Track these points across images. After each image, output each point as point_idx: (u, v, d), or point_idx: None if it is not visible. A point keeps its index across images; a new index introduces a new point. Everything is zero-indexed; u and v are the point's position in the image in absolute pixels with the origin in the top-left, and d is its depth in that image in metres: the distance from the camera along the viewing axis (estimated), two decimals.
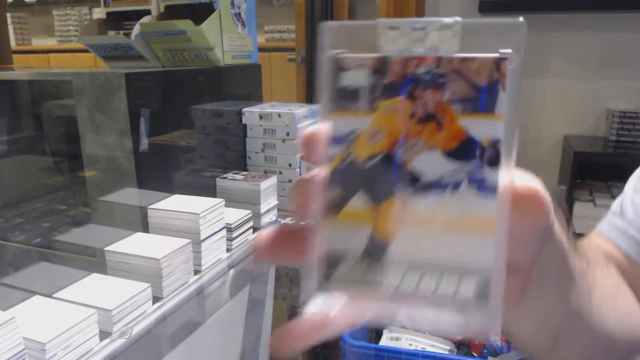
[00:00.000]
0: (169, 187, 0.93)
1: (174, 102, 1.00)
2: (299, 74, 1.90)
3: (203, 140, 1.05)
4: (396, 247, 0.18)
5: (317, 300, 0.18)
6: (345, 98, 0.19)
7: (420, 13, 2.00)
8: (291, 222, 0.21)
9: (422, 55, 0.18)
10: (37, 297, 0.60)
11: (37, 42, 3.52)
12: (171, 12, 1.08)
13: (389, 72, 0.19)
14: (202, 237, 0.75)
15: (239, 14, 1.12)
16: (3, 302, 0.60)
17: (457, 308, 0.17)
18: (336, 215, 0.19)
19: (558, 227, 0.22)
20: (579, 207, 1.68)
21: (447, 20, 0.18)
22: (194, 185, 0.99)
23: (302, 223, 0.20)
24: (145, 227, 0.80)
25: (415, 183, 0.18)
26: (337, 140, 0.19)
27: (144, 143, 0.89)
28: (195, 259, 0.75)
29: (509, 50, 0.18)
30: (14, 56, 1.62)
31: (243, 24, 1.14)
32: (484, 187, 0.18)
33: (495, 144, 0.18)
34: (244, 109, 1.01)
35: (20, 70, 1.38)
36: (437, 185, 0.18)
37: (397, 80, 0.19)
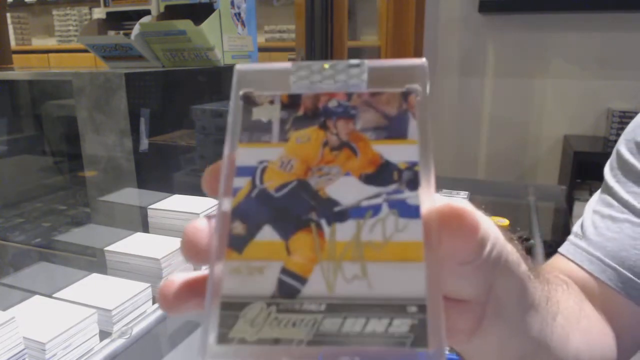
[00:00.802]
0: (169, 187, 0.93)
1: (174, 102, 1.00)
2: None
3: (203, 140, 1.05)
4: (313, 283, 0.16)
5: (216, 357, 0.15)
6: (254, 131, 0.18)
7: (420, 14, 2.00)
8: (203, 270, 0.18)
9: (333, 90, 0.19)
10: (37, 297, 0.60)
11: (37, 42, 3.52)
12: (171, 12, 1.08)
13: (301, 106, 0.19)
14: None
15: (239, 13, 1.12)
16: (3, 302, 0.60)
17: (391, 347, 0.14)
18: (240, 252, 0.16)
19: (513, 256, 0.22)
20: (579, 207, 1.68)
21: (354, 61, 0.19)
22: (194, 185, 0.99)
23: (205, 272, 0.17)
24: (145, 227, 0.80)
25: (332, 210, 0.17)
26: (244, 170, 0.18)
27: (144, 143, 0.89)
28: None
29: (416, 85, 0.18)
30: (14, 56, 1.62)
31: (243, 24, 1.14)
32: (406, 210, 0.16)
33: (412, 167, 0.17)
34: None
35: (20, 70, 1.38)
36: (355, 211, 0.17)
37: (308, 114, 0.19)
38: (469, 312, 0.21)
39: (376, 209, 0.17)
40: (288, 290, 0.16)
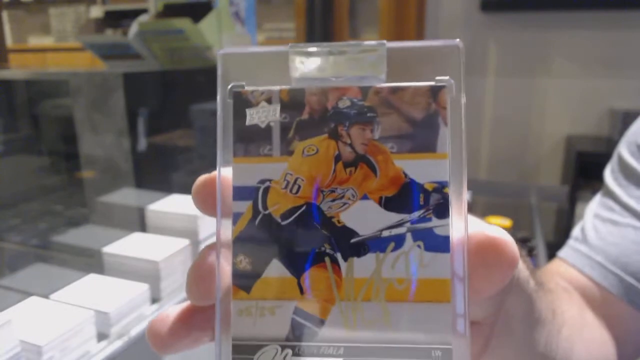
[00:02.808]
0: (167, 187, 0.93)
1: (172, 102, 1.00)
2: None
3: (202, 140, 1.04)
4: (330, 325, 0.14)
5: None
6: (251, 141, 0.16)
7: (421, 12, 2.00)
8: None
9: (344, 85, 0.15)
10: (33, 298, 0.59)
11: (34, 41, 3.51)
12: (169, 11, 1.07)
13: (305, 107, 0.15)
14: (200, 238, 0.74)
15: (238, 12, 1.12)
16: None
17: None
18: (247, 291, 0.15)
19: (523, 273, 0.21)
20: (581, 208, 1.68)
21: (371, 43, 0.15)
22: (192, 186, 0.98)
23: (204, 304, 0.16)
24: (143, 228, 0.80)
25: (348, 241, 0.15)
26: (243, 192, 0.15)
27: (142, 143, 0.88)
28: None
29: (447, 78, 0.15)
30: (10, 55, 1.61)
31: (242, 23, 1.13)
32: (433, 243, 0.14)
33: (441, 188, 0.15)
34: None
35: (17, 69, 1.37)
36: (374, 243, 0.15)
37: (315, 117, 0.15)
38: (478, 334, 0.20)
39: (399, 241, 0.15)
40: (304, 332, 0.15)
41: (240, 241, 0.15)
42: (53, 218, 1.05)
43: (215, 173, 0.16)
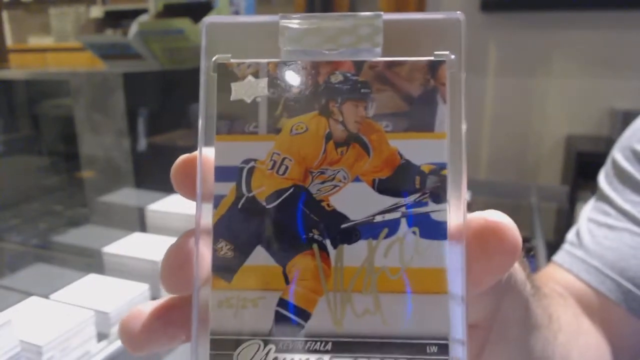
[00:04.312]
0: (167, 187, 0.93)
1: (172, 102, 1.00)
2: None
3: None
4: (317, 317, 0.13)
5: None
6: (235, 117, 0.14)
7: (421, 11, 2.00)
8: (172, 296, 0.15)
9: (337, 59, 0.14)
10: (33, 298, 0.59)
11: (34, 41, 3.51)
12: (169, 11, 1.07)
13: (295, 80, 0.14)
14: None
15: (238, 12, 1.12)
16: None
17: None
18: (228, 280, 0.14)
19: (521, 275, 0.20)
20: (581, 208, 1.67)
21: (366, 14, 0.14)
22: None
23: (180, 296, 0.15)
24: (143, 228, 0.80)
25: (338, 227, 0.14)
26: (225, 172, 0.14)
27: (142, 143, 0.88)
28: None
29: (447, 52, 0.14)
30: (10, 55, 1.61)
31: None
32: (429, 229, 0.13)
33: (439, 170, 0.14)
34: None
35: (17, 69, 1.37)
36: (366, 229, 0.14)
37: (305, 92, 0.14)
38: (473, 339, 0.19)
39: (393, 226, 0.14)
40: (288, 326, 0.13)
41: (221, 226, 0.14)
42: (53, 218, 1.05)
43: (195, 153, 0.15)
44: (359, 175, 0.14)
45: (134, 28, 1.05)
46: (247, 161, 0.14)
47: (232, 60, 0.15)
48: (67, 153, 1.06)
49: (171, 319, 0.15)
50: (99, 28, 2.63)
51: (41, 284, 0.72)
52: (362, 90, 0.14)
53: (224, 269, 0.14)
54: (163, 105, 0.95)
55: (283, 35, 0.14)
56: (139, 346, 0.15)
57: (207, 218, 0.14)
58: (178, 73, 1.05)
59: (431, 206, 0.14)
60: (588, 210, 0.44)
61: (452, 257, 0.13)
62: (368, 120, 0.14)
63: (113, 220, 0.90)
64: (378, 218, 0.14)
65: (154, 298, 0.66)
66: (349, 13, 0.14)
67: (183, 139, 1.01)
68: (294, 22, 0.15)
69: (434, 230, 0.13)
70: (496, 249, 0.14)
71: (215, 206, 0.14)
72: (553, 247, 0.45)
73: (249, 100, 0.14)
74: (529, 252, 0.84)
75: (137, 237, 0.74)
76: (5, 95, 1.17)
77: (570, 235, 0.43)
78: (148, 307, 0.15)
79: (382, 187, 0.14)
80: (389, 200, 0.14)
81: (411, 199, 0.14)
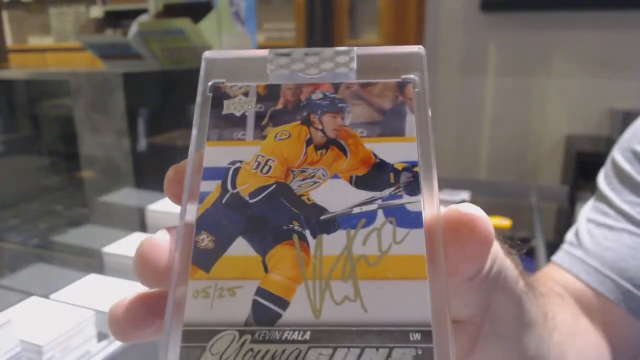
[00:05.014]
0: None
1: (172, 102, 1.00)
2: None
3: None
4: (295, 306, 0.13)
5: None
6: (226, 127, 0.16)
7: (421, 12, 2.00)
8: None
9: (317, 81, 0.16)
10: (34, 298, 0.59)
11: (34, 41, 3.51)
12: (169, 11, 1.07)
13: (280, 98, 0.16)
14: None
15: (238, 12, 1.12)
16: None
17: None
18: (207, 270, 0.14)
19: (512, 272, 0.20)
20: (581, 208, 1.67)
21: (342, 48, 0.17)
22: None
23: (161, 288, 0.15)
24: (143, 228, 0.80)
25: (317, 218, 0.14)
26: (212, 173, 0.15)
27: (142, 143, 0.88)
28: None
29: (413, 75, 0.16)
30: (10, 55, 1.61)
31: (242, 23, 1.13)
32: (405, 218, 0.14)
33: (411, 167, 0.15)
34: None
35: (17, 69, 1.37)
36: (345, 220, 0.14)
37: (289, 107, 0.16)
38: (464, 334, 0.19)
39: (370, 217, 0.14)
40: (265, 315, 0.13)
41: (204, 219, 0.14)
42: (53, 218, 1.05)
43: (184, 162, 0.16)
44: (337, 173, 0.15)
45: (134, 28, 1.05)
46: (233, 162, 0.15)
47: (225, 83, 0.17)
48: (67, 153, 1.06)
49: (156, 309, 0.14)
50: (99, 28, 2.63)
51: (41, 284, 0.72)
52: (339, 105, 0.16)
53: (203, 259, 0.14)
54: (163, 105, 0.95)
55: (271, 63, 0.17)
56: (125, 334, 0.15)
57: (192, 214, 0.15)
58: (178, 73, 1.05)
59: (406, 198, 0.14)
60: (587, 211, 0.44)
61: (429, 244, 0.14)
62: (345, 128, 0.16)
63: (113, 220, 0.90)
64: (356, 210, 0.14)
65: None
66: (328, 48, 0.17)
67: (183, 139, 1.01)
68: (282, 53, 0.17)
69: (410, 219, 0.14)
70: (469, 239, 0.14)
71: (200, 202, 0.15)
72: (553, 247, 0.45)
73: (238, 114, 0.16)
74: (530, 252, 0.84)
75: (137, 237, 0.74)
76: (6, 95, 1.17)
77: (570, 235, 0.43)
78: (133, 294, 0.15)
79: (359, 183, 0.15)
80: (365, 194, 0.15)
81: (387, 192, 0.15)
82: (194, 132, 0.16)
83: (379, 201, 0.14)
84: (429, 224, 0.14)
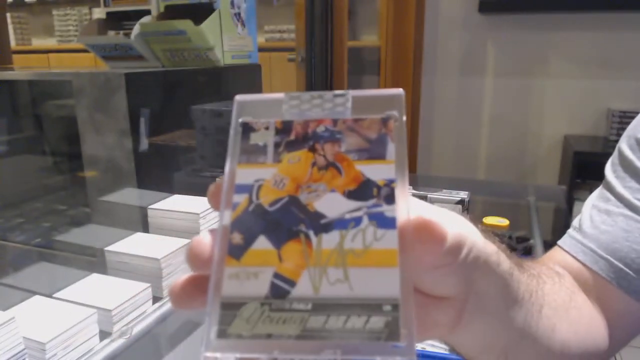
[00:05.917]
0: (169, 187, 0.93)
1: (174, 102, 1.00)
2: (299, 74, 1.91)
3: (203, 140, 1.05)
4: (301, 285, 0.18)
5: (216, 350, 0.17)
6: (252, 154, 0.21)
7: (420, 14, 2.00)
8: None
9: (321, 117, 0.22)
10: (37, 297, 0.60)
11: (37, 42, 3.52)
12: (171, 12, 1.08)
13: (292, 131, 0.21)
14: None
15: (239, 13, 1.12)
16: (3, 302, 0.60)
17: (369, 341, 0.17)
18: (238, 259, 0.19)
19: (493, 257, 0.24)
20: (579, 207, 1.68)
21: (339, 91, 0.22)
22: (193, 185, 0.99)
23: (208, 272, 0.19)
24: (145, 227, 0.81)
25: (319, 222, 0.19)
26: (242, 188, 0.20)
27: (144, 143, 0.89)
28: None
29: (394, 112, 0.21)
30: (14, 56, 1.62)
31: (243, 24, 1.14)
32: (383, 222, 0.19)
33: (390, 184, 0.20)
34: None
35: (20, 70, 1.38)
36: (339, 223, 0.19)
37: (299, 138, 0.21)
38: (449, 308, 0.23)
39: (357, 221, 0.19)
40: (279, 292, 0.18)
41: (236, 222, 0.20)
42: (56, 217, 1.05)
43: (221, 179, 0.21)
44: (334, 188, 0.20)
45: (136, 29, 1.06)
46: (257, 180, 0.21)
47: (251, 120, 0.22)
48: (70, 153, 1.07)
49: (202, 287, 0.19)
50: (102, 29, 2.64)
51: (44, 283, 0.72)
52: (337, 136, 0.21)
53: (235, 251, 0.19)
54: (165, 106, 0.96)
55: (286, 103, 0.22)
56: (178, 302, 0.20)
57: (227, 219, 0.20)
58: (179, 73, 1.06)
59: (385, 207, 0.19)
60: (594, 198, 0.46)
61: (400, 241, 0.18)
62: (341, 154, 0.21)
63: (115, 220, 0.90)
64: (347, 215, 0.19)
65: (155, 297, 0.67)
66: (329, 91, 0.22)
67: (184, 139, 1.02)
68: (293, 97, 0.22)
69: (387, 222, 0.19)
70: (427, 238, 0.19)
71: (233, 209, 0.20)
72: (550, 245, 0.46)
73: (261, 144, 0.21)
74: (528, 250, 0.85)
75: (139, 237, 0.75)
76: (9, 96, 1.18)
77: (575, 221, 0.46)
78: (186, 276, 0.20)
79: (351, 195, 0.20)
80: (355, 204, 0.19)
81: (371, 202, 0.19)
82: (229, 157, 0.21)
83: (365, 209, 0.19)
84: (401, 226, 0.18)
